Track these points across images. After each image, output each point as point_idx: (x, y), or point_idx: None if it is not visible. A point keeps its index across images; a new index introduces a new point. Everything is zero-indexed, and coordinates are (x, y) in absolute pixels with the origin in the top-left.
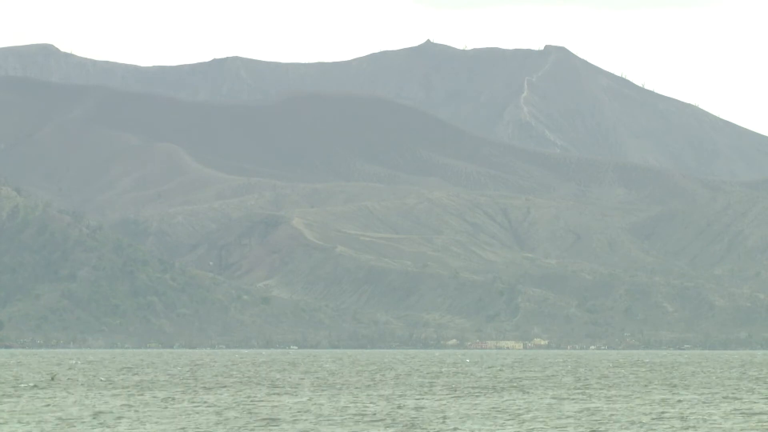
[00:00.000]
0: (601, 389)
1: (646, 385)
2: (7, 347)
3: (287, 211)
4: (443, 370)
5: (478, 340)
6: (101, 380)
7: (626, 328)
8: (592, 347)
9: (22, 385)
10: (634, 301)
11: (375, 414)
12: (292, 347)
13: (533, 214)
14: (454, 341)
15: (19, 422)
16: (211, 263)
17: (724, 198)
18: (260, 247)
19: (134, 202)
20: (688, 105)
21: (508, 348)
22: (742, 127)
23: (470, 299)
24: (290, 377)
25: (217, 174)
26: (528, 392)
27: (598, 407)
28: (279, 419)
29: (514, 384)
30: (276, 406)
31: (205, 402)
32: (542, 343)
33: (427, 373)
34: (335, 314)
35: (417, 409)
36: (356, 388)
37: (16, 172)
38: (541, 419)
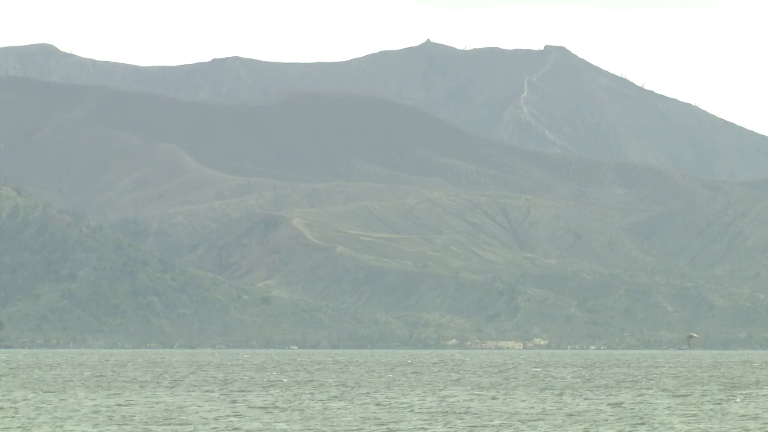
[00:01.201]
0: None
1: None
2: (7, 347)
3: (287, 211)
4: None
5: (478, 340)
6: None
7: (626, 328)
8: (592, 347)
9: None
10: (634, 301)
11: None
12: (292, 347)
13: (533, 214)
14: (454, 341)
15: None
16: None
17: (724, 198)
18: (260, 247)
19: (134, 202)
20: (688, 105)
21: (508, 348)
22: (742, 127)
23: (470, 299)
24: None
25: (217, 174)
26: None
27: None
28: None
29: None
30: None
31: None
32: (542, 343)
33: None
34: (335, 314)
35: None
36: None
37: (16, 172)
38: None
